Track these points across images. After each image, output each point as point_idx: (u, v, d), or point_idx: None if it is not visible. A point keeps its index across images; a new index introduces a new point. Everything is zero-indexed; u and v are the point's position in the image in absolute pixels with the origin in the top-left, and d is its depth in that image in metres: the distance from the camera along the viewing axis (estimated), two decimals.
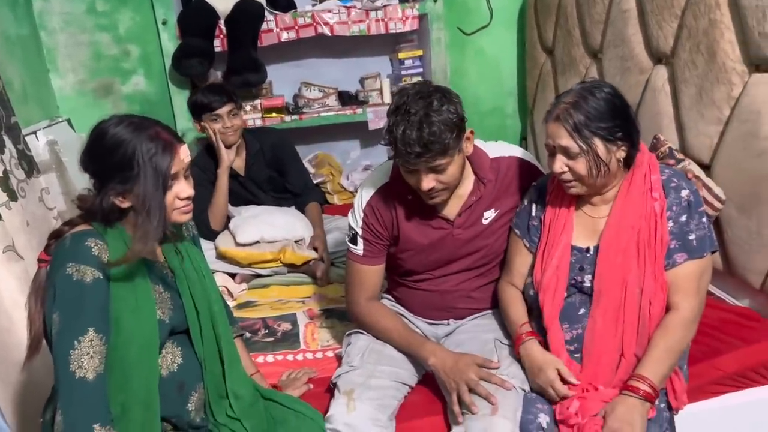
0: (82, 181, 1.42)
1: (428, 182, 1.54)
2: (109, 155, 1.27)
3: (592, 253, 1.56)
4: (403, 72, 3.39)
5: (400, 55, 3.39)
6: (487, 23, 3.44)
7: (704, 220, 1.52)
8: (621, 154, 1.49)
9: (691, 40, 2.00)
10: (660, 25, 2.16)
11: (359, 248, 1.72)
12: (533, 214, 1.66)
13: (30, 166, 2.03)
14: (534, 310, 1.63)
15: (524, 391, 1.54)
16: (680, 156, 2.06)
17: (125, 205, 1.31)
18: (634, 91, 2.31)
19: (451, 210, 1.69)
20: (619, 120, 1.46)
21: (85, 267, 1.25)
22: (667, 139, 2.14)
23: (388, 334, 1.71)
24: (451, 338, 1.77)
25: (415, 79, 3.30)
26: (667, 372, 1.47)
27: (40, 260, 1.36)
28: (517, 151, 1.79)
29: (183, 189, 1.33)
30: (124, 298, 1.29)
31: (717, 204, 1.93)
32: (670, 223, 1.50)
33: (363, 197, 1.72)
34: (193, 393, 1.40)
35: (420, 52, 3.40)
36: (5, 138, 1.87)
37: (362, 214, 1.71)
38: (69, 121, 2.98)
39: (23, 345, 1.37)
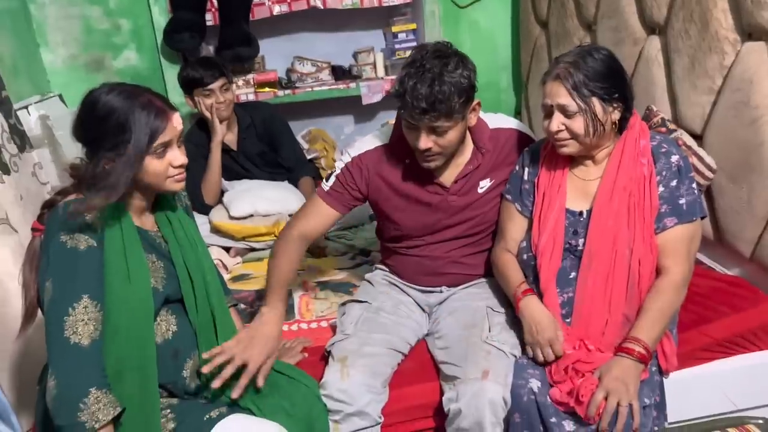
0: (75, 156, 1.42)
1: (426, 142, 1.55)
2: (101, 123, 1.27)
3: (585, 216, 1.57)
4: (397, 46, 3.36)
5: (394, 29, 3.36)
6: None
7: (694, 185, 1.54)
8: (616, 115, 1.52)
9: (684, 9, 1.99)
10: None
11: (328, 185, 1.74)
12: (525, 178, 1.67)
13: (22, 141, 2.02)
14: (529, 275, 1.64)
15: (515, 356, 1.56)
16: (673, 127, 2.06)
17: None
18: (627, 62, 2.30)
19: (448, 177, 1.71)
20: (616, 81, 1.50)
21: (79, 235, 1.26)
22: (659, 110, 2.14)
23: (274, 270, 1.70)
24: (444, 306, 1.79)
25: (409, 53, 3.29)
26: (659, 334, 1.49)
27: (33, 229, 1.37)
28: (515, 124, 1.81)
29: (176, 157, 1.34)
30: (118, 267, 1.30)
31: (708, 173, 1.94)
32: (661, 188, 1.52)
33: (356, 150, 1.73)
34: (187, 360, 1.41)
35: (414, 26, 3.37)
36: None
37: (349, 161, 1.72)
38: (60, 96, 2.96)
39: (18, 316, 1.38)
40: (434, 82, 1.47)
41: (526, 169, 1.68)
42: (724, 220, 1.96)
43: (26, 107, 2.54)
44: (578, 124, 1.49)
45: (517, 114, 3.59)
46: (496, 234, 1.76)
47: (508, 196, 1.70)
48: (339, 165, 1.74)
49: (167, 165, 1.32)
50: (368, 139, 1.75)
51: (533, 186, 1.65)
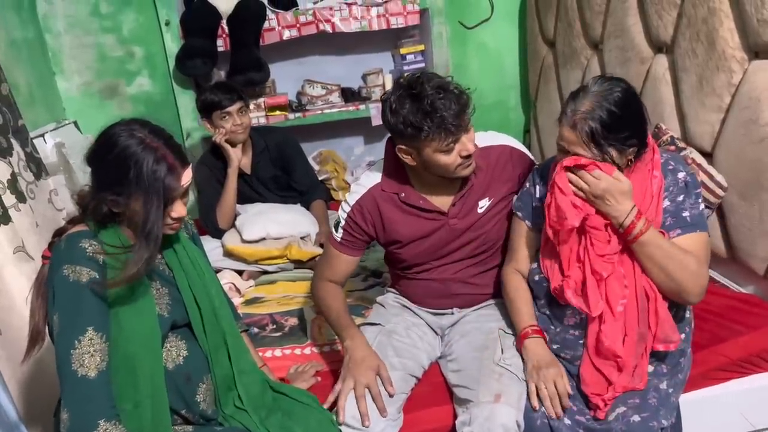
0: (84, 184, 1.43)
1: (471, 144, 1.58)
2: (112, 166, 1.28)
3: None
4: (405, 67, 3.39)
5: (402, 51, 3.40)
6: (488, 17, 3.45)
7: (700, 200, 1.53)
8: (631, 154, 1.48)
9: (690, 29, 2.00)
10: (660, 14, 2.16)
11: (338, 236, 1.78)
12: (537, 196, 1.67)
13: (38, 168, 2.05)
14: (541, 297, 1.63)
15: None
16: (682, 145, 2.06)
17: (117, 209, 1.32)
18: (635, 81, 2.31)
19: (444, 202, 1.72)
20: (635, 124, 1.45)
21: (81, 268, 1.26)
22: (668, 128, 2.14)
23: (328, 312, 1.77)
24: (456, 328, 1.79)
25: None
26: (659, 251, 1.45)
27: (44, 257, 1.39)
28: (505, 140, 1.81)
29: (176, 210, 1.34)
30: (122, 296, 1.30)
31: (719, 191, 1.94)
32: (667, 202, 1.52)
33: (353, 197, 1.76)
34: (200, 384, 1.42)
35: (422, 47, 3.41)
36: (13, 141, 1.89)
37: (350, 210, 1.75)
38: (75, 123, 3.01)
39: None
40: (448, 91, 1.53)
41: (537, 187, 1.67)
42: (737, 238, 1.96)
43: (42, 135, 2.58)
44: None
45: (527, 132, 3.61)
46: (507, 252, 1.76)
47: (519, 213, 1.70)
48: (342, 215, 1.77)
49: (166, 215, 1.33)
50: (361, 183, 1.77)
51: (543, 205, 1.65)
